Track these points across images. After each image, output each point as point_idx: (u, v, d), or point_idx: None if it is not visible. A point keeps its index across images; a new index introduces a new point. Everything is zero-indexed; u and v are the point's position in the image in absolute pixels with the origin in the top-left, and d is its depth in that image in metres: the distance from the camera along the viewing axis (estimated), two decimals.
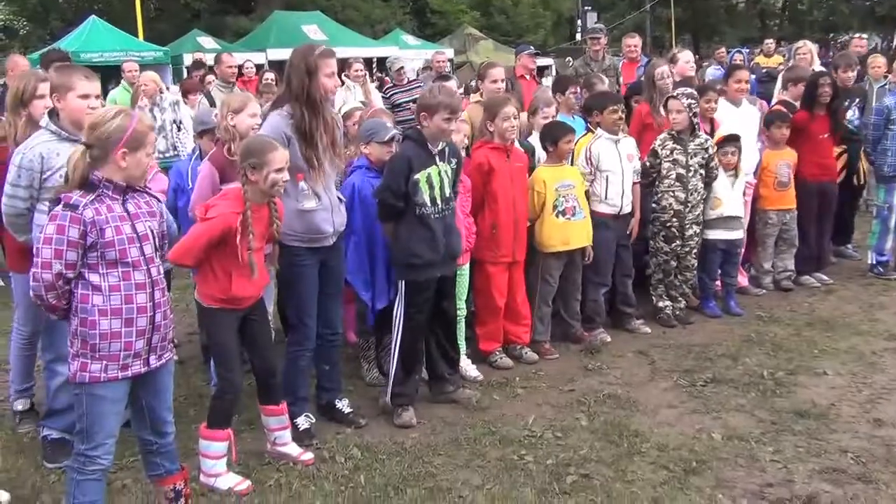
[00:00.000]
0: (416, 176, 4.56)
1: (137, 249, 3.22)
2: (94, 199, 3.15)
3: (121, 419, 3.38)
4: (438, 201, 4.63)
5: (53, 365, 4.33)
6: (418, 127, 4.69)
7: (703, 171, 6.25)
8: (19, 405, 4.79)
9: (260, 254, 3.98)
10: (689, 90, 6.32)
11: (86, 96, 4.08)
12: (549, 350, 5.77)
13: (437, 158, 4.65)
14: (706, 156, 6.26)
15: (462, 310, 5.34)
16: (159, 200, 3.54)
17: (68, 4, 30.18)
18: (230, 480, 4.00)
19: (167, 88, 9.50)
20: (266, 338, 4.24)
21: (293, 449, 4.29)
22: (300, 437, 4.42)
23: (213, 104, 8.54)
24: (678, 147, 6.18)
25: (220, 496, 3.93)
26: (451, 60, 23.29)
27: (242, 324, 4.04)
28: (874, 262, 7.41)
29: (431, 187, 4.60)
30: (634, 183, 6.11)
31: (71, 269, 3.12)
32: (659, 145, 6.21)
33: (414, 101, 9.37)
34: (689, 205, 6.22)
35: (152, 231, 3.30)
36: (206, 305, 3.97)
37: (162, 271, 3.39)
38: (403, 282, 4.71)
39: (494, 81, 6.54)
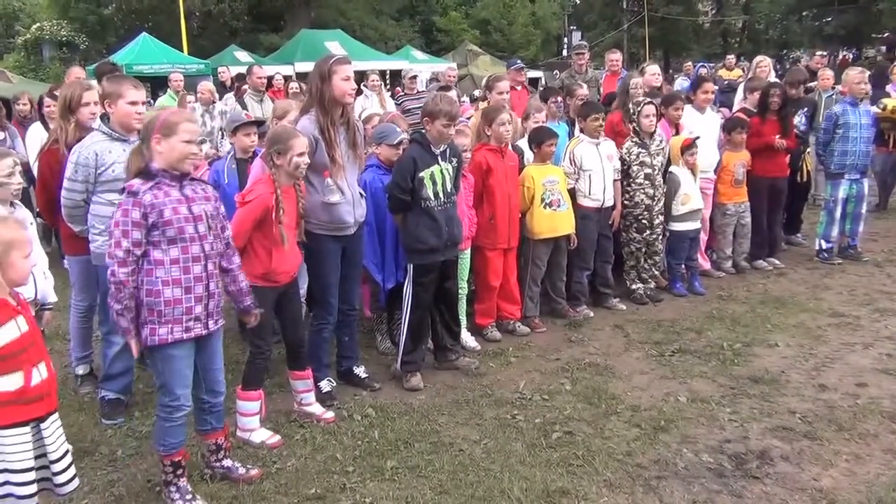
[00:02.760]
0: (421, 174, 4.54)
1: (193, 227, 3.25)
2: (153, 186, 3.17)
3: (192, 371, 3.39)
4: (441, 195, 4.61)
5: (109, 336, 4.34)
6: (423, 131, 4.68)
7: (662, 169, 6.26)
8: (80, 370, 4.81)
9: (291, 231, 3.94)
10: (657, 101, 6.37)
11: (134, 103, 4.08)
12: (538, 324, 5.76)
13: (440, 158, 4.63)
14: (665, 155, 6.30)
15: (463, 289, 5.33)
16: (213, 188, 3.56)
17: (122, 23, 29.91)
18: (263, 435, 4.02)
19: (218, 99, 9.51)
20: (298, 314, 4.23)
21: (317, 408, 4.30)
22: (323, 398, 4.43)
23: (245, 108, 8.52)
24: (643, 150, 6.17)
25: (253, 448, 3.94)
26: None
27: (278, 302, 4.03)
28: (821, 248, 7.37)
29: (434, 183, 4.58)
30: (615, 180, 6.08)
31: (137, 246, 3.14)
32: (625, 153, 6.19)
33: (422, 108, 9.35)
34: (656, 199, 6.21)
35: (206, 212, 3.32)
36: (250, 283, 3.94)
37: (215, 247, 3.37)
38: (412, 265, 4.70)
39: (500, 93, 6.50)
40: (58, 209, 4.27)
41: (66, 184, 4.09)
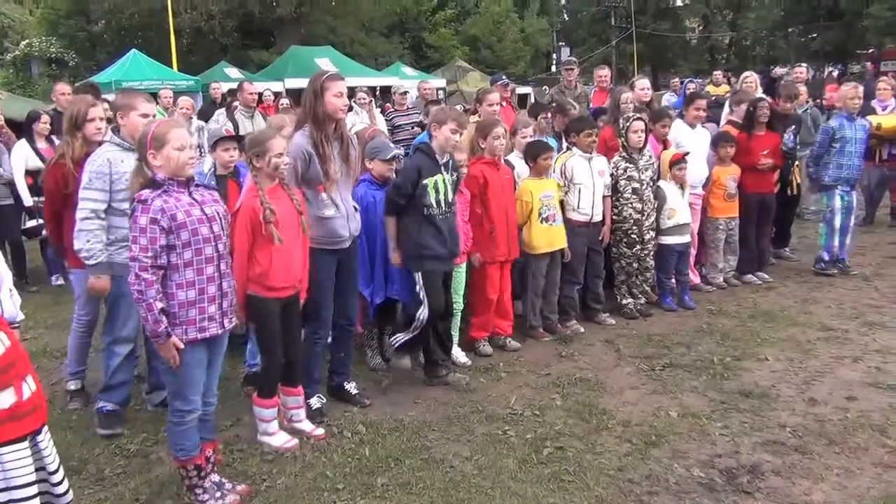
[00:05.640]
0: (425, 181, 4.61)
1: (207, 228, 3.31)
2: (161, 192, 3.22)
3: (204, 377, 3.43)
4: (443, 204, 4.69)
5: (112, 346, 4.38)
6: (426, 140, 4.76)
7: (652, 183, 6.29)
8: (72, 385, 4.82)
9: (291, 233, 3.91)
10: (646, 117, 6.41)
11: (145, 115, 4.19)
12: (542, 334, 5.80)
13: (443, 168, 4.70)
14: (654, 170, 6.34)
15: (458, 304, 5.33)
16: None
17: (112, 39, 29.89)
18: (280, 439, 4.09)
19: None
20: (297, 332, 4.21)
21: (307, 425, 4.28)
22: (313, 415, 4.41)
23: (236, 127, 8.52)
24: (631, 165, 6.21)
25: (242, 465, 3.92)
26: (443, 89, 23.25)
27: (280, 314, 4.00)
28: (821, 259, 7.35)
29: (437, 192, 4.66)
30: (605, 196, 6.11)
31: (144, 251, 3.16)
32: (613, 167, 6.22)
33: (411, 124, 9.44)
34: (645, 213, 6.24)
35: (218, 213, 3.39)
36: (252, 294, 3.91)
37: (227, 246, 3.45)
38: (419, 273, 4.73)
39: (490, 105, 6.56)
40: (63, 222, 4.31)
41: (81, 194, 4.12)
